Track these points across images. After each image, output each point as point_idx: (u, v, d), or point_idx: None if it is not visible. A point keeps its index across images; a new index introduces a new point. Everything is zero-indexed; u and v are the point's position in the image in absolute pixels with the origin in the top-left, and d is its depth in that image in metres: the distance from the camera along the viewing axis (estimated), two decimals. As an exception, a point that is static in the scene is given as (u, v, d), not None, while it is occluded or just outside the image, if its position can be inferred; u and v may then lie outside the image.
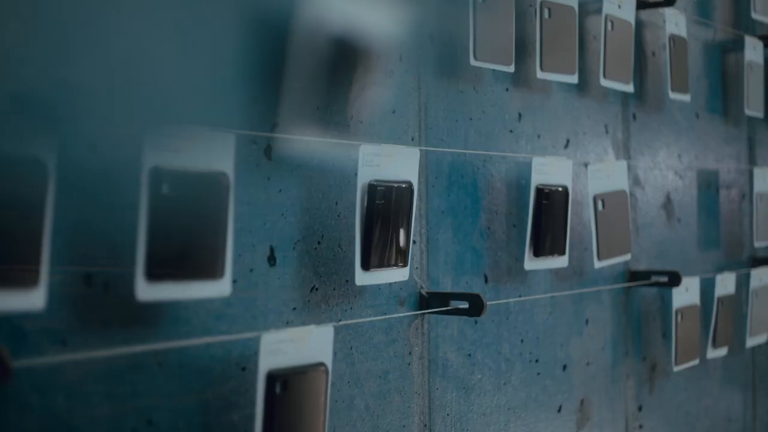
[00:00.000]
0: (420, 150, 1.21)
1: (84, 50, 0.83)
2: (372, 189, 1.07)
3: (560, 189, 1.37)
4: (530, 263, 1.32)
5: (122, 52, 0.86)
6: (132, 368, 0.91)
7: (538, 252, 1.33)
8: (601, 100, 1.56)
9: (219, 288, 0.91)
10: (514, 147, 1.38)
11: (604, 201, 1.45)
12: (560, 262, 1.37)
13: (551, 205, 1.35)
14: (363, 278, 1.08)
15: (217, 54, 0.95)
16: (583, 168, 1.48)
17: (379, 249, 1.08)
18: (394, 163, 1.11)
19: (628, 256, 1.53)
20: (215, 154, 0.91)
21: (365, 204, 1.07)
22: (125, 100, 0.87)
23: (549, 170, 1.36)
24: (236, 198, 0.99)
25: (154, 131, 0.87)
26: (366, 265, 1.07)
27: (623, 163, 1.52)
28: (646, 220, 1.68)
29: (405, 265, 1.13)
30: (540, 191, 1.33)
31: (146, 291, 0.85)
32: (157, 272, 0.86)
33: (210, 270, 0.90)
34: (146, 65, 0.88)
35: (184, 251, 0.88)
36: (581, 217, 1.49)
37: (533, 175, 1.33)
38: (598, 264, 1.44)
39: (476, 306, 1.18)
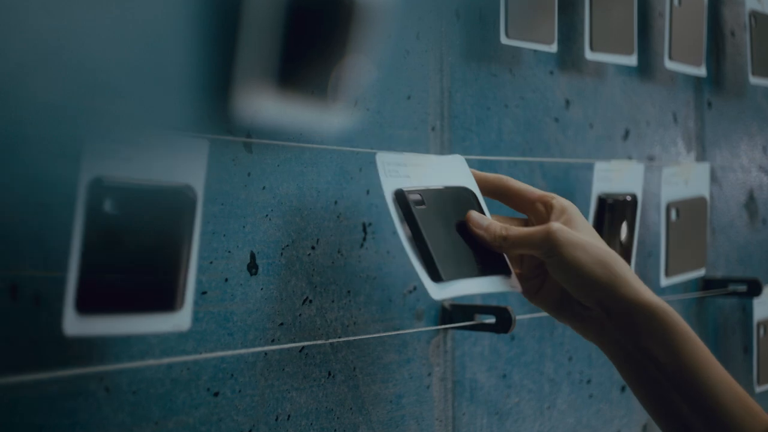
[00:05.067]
0: (443, 141, 1.06)
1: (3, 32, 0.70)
2: (401, 197, 0.89)
3: (628, 198, 1.19)
4: None
5: (55, 32, 0.73)
6: (71, 395, 0.78)
7: None
8: (669, 86, 1.38)
9: (174, 321, 0.76)
10: (559, 138, 1.21)
11: (678, 210, 1.27)
12: None
13: (615, 217, 1.17)
14: (439, 292, 0.88)
15: (180, 30, 0.82)
16: (645, 161, 1.31)
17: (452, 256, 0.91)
18: (425, 171, 0.94)
19: (702, 272, 1.35)
20: (180, 163, 0.77)
21: (402, 213, 0.89)
22: (59, 92, 0.73)
23: (614, 176, 1.18)
24: (207, 197, 0.86)
25: (99, 133, 0.72)
26: (436, 276, 0.88)
27: (705, 166, 1.33)
28: (725, 221, 1.49)
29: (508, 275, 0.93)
30: (602, 201, 1.16)
31: (75, 325, 0.71)
32: (91, 304, 0.72)
33: (163, 301, 0.76)
34: (87, 48, 0.75)
35: (130, 280, 0.74)
36: (645, 220, 1.31)
37: (595, 183, 1.15)
38: (665, 281, 1.27)
39: (504, 321, 1.02)
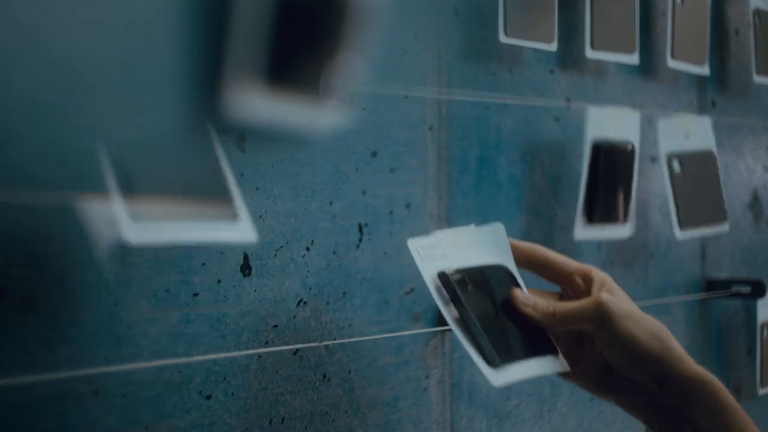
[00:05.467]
0: (441, 141, 1.05)
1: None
2: (445, 279, 0.86)
3: (629, 147, 1.17)
4: (583, 231, 1.13)
5: (41, 28, 0.72)
6: (60, 398, 0.77)
7: (592, 218, 1.14)
8: (673, 85, 1.37)
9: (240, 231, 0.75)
10: (560, 138, 1.20)
11: (681, 161, 1.24)
12: (621, 231, 1.18)
13: (611, 167, 1.15)
14: (498, 378, 0.87)
15: (170, 26, 0.80)
16: (648, 162, 1.29)
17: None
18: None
19: (725, 226, 1.32)
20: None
21: (448, 296, 0.87)
22: (44, 89, 0.72)
23: (610, 124, 1.16)
24: (200, 197, 0.85)
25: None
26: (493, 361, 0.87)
27: (707, 120, 1.31)
28: (729, 221, 1.47)
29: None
30: (597, 149, 1.14)
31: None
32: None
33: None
34: (73, 45, 0.74)
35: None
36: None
37: (588, 129, 1.13)
38: (680, 234, 1.24)
39: (502, 323, 1.01)
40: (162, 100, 0.79)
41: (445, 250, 0.88)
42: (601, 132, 1.14)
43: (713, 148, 1.30)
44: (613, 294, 0.88)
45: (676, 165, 1.23)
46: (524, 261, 0.93)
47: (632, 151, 1.18)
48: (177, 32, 0.79)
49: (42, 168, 0.74)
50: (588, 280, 0.90)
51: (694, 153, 1.27)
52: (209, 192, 0.74)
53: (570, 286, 0.92)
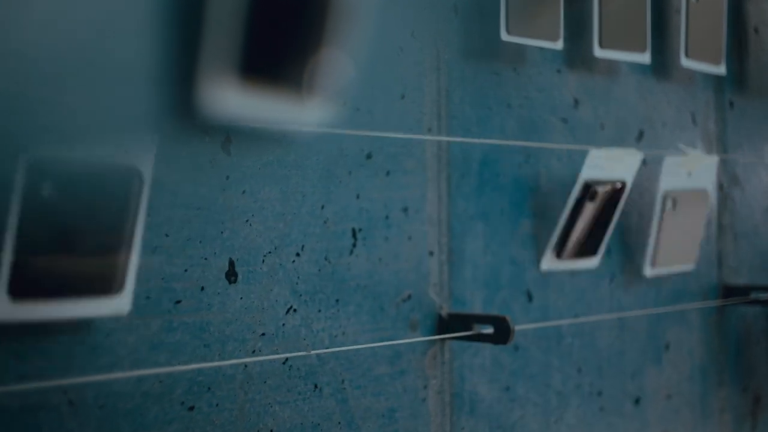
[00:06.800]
0: (441, 142, 1.02)
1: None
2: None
3: (618, 185, 1.14)
4: (549, 263, 1.11)
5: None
6: (32, 409, 0.74)
7: (561, 254, 1.12)
8: (688, 85, 1.32)
9: (114, 305, 0.74)
10: (568, 139, 1.16)
11: (675, 200, 1.22)
12: (589, 262, 1.15)
13: (596, 203, 1.13)
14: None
15: (145, 18, 0.77)
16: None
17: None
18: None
19: (691, 266, 1.29)
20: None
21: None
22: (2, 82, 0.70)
23: (606, 164, 1.13)
24: (182, 202, 0.82)
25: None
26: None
27: (713, 160, 1.28)
28: (747, 226, 1.42)
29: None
30: (586, 188, 1.11)
31: (10, 311, 0.69)
32: (25, 288, 0.69)
33: (102, 283, 0.73)
34: (31, 36, 0.71)
35: (67, 263, 0.71)
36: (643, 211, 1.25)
37: (584, 169, 1.10)
38: (650, 272, 1.21)
39: (502, 331, 0.97)
40: (141, 99, 0.76)
41: None
42: (596, 172, 1.11)
43: (708, 188, 1.28)
44: None
45: (669, 203, 1.22)
46: None
47: (621, 190, 1.14)
48: (158, 28, 0.76)
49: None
50: None
51: (691, 191, 1.25)
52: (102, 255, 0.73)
53: None
